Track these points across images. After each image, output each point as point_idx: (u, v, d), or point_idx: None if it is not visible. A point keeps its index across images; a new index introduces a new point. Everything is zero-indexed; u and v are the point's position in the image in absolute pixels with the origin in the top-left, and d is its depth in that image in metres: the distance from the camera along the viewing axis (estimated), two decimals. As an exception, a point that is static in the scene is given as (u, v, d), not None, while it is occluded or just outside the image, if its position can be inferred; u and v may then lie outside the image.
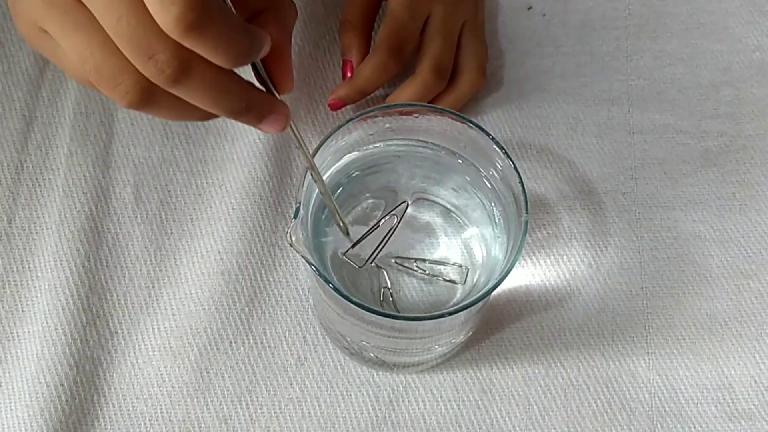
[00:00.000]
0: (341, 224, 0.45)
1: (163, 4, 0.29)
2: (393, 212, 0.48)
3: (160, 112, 0.34)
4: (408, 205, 0.48)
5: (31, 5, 0.33)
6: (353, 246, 0.47)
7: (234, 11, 0.32)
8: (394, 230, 0.48)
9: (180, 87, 0.32)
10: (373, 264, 0.48)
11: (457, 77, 0.55)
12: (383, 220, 0.48)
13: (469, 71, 0.55)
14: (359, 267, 0.48)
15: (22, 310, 0.51)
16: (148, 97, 0.33)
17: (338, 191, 0.48)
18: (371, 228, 0.48)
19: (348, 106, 0.56)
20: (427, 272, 0.49)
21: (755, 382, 0.51)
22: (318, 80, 0.58)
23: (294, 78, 0.37)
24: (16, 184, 0.54)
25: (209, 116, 0.35)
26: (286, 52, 0.37)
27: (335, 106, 0.55)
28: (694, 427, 0.50)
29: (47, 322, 0.51)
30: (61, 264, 0.52)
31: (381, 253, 0.48)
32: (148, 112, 0.34)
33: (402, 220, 0.48)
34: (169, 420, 0.50)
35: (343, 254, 0.47)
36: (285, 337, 0.52)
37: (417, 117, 0.46)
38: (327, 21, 0.59)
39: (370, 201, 0.49)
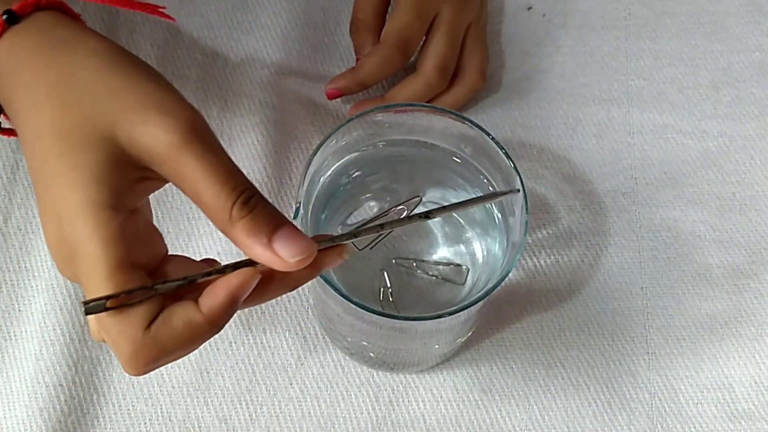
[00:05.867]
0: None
1: None
2: (404, 204, 0.48)
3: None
4: (421, 199, 0.48)
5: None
6: (360, 227, 0.46)
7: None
8: (402, 221, 0.47)
9: None
10: (371, 248, 0.48)
11: (457, 79, 0.55)
12: (392, 210, 0.48)
13: (470, 73, 0.55)
14: (359, 250, 0.48)
15: (19, 310, 0.51)
16: None
17: (339, 192, 0.48)
18: (380, 214, 0.48)
19: (347, 100, 0.56)
20: (427, 272, 0.49)
21: (755, 382, 0.51)
22: (317, 82, 0.57)
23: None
24: (12, 183, 0.54)
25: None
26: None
27: (332, 95, 0.55)
28: (694, 427, 0.50)
29: (45, 322, 0.50)
30: (60, 263, 0.52)
31: (382, 240, 0.47)
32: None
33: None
34: (169, 420, 0.50)
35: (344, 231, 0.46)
36: (285, 337, 0.51)
37: (417, 117, 0.46)
38: (326, 25, 0.59)
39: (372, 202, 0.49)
